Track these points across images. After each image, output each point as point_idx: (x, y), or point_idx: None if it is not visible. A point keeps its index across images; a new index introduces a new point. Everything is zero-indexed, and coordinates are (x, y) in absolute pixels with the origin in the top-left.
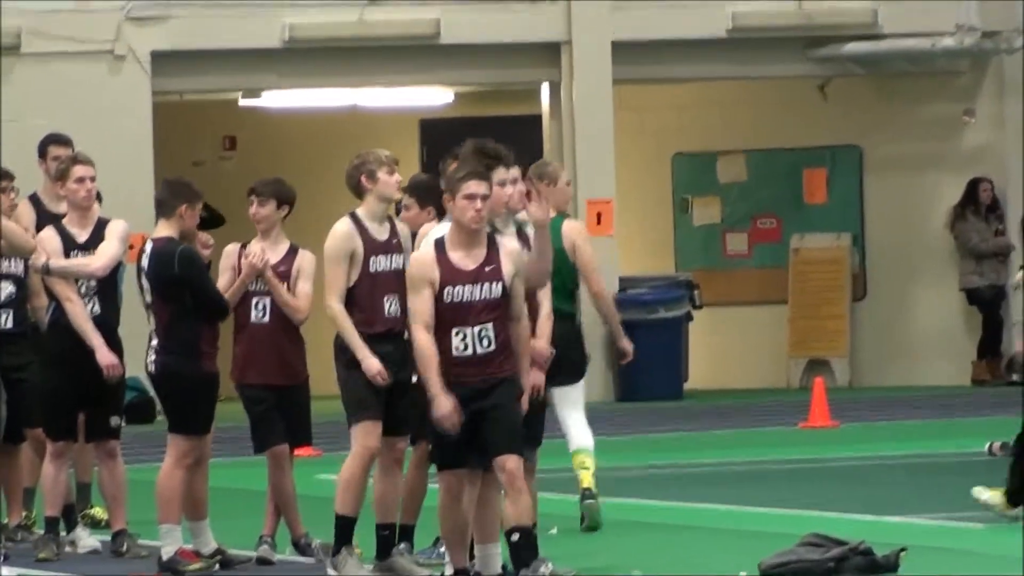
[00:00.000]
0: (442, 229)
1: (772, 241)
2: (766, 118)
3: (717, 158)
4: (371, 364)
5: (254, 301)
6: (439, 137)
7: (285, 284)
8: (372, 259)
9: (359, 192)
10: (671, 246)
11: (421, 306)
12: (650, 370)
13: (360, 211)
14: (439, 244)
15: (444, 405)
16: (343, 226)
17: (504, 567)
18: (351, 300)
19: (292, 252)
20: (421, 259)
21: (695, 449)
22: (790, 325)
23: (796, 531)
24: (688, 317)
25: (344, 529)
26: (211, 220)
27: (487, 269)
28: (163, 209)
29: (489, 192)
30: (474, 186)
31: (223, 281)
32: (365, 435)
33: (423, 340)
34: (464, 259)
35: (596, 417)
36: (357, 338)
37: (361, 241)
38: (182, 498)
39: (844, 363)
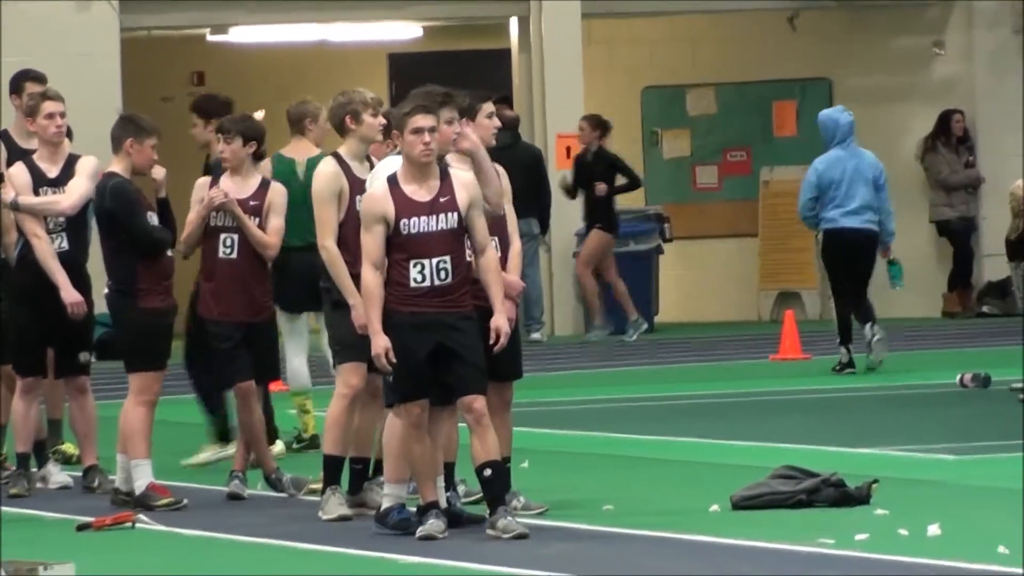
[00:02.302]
0: (389, 166)
1: (742, 174)
2: (735, 51)
3: (687, 91)
4: (378, 342)
5: (222, 237)
6: (408, 71)
7: (257, 219)
8: (357, 198)
9: (342, 131)
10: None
11: (371, 243)
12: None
13: (342, 150)
14: (392, 179)
15: (378, 345)
16: (329, 166)
17: (449, 502)
18: (337, 240)
19: (263, 187)
20: (373, 195)
21: (666, 382)
22: (760, 258)
23: (768, 464)
24: (658, 250)
25: (331, 469)
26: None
27: (442, 200)
28: (113, 144)
29: (436, 124)
30: (420, 119)
31: (191, 214)
32: (349, 375)
33: (369, 278)
34: (418, 191)
35: (566, 351)
36: (350, 282)
37: (346, 180)
38: (147, 432)
39: (814, 295)
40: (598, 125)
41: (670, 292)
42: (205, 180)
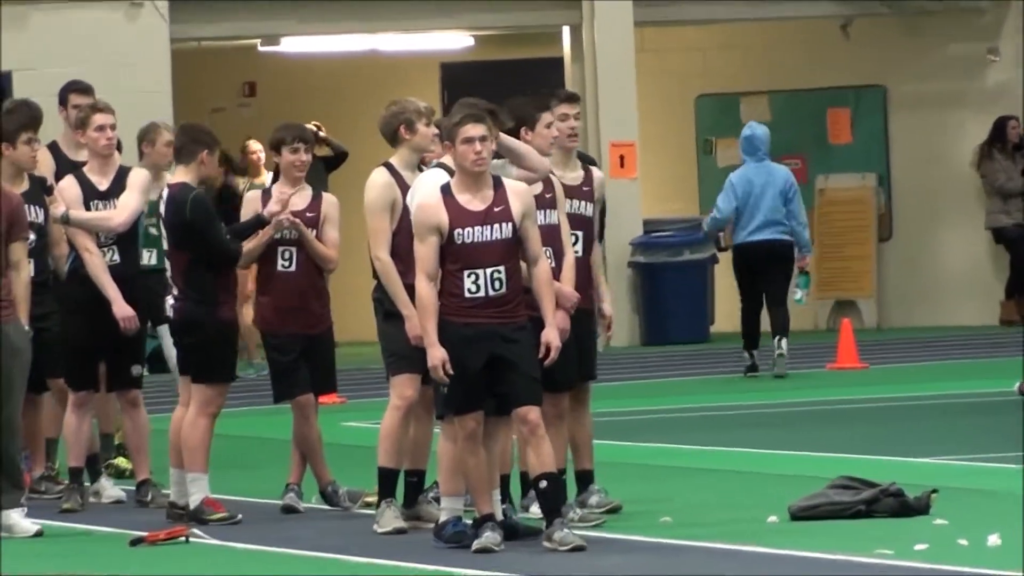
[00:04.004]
0: (429, 178)
1: (797, 182)
2: (789, 58)
3: (740, 99)
4: (435, 354)
5: (280, 250)
6: (460, 81)
7: (313, 231)
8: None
9: (394, 141)
10: (695, 188)
11: (425, 254)
12: (676, 313)
13: (394, 160)
14: (445, 188)
15: (435, 356)
16: (382, 176)
17: (504, 513)
18: (391, 251)
19: (317, 197)
20: (426, 205)
21: (722, 392)
22: (816, 266)
23: (826, 474)
24: (713, 259)
25: (386, 481)
26: (334, 158)
27: (496, 210)
28: (182, 155)
29: (488, 134)
30: (471, 128)
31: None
32: (404, 386)
33: (423, 290)
34: (471, 201)
35: (622, 361)
36: (404, 294)
37: (399, 191)
38: (207, 445)
39: (871, 304)
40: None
41: (725, 302)
42: (256, 194)
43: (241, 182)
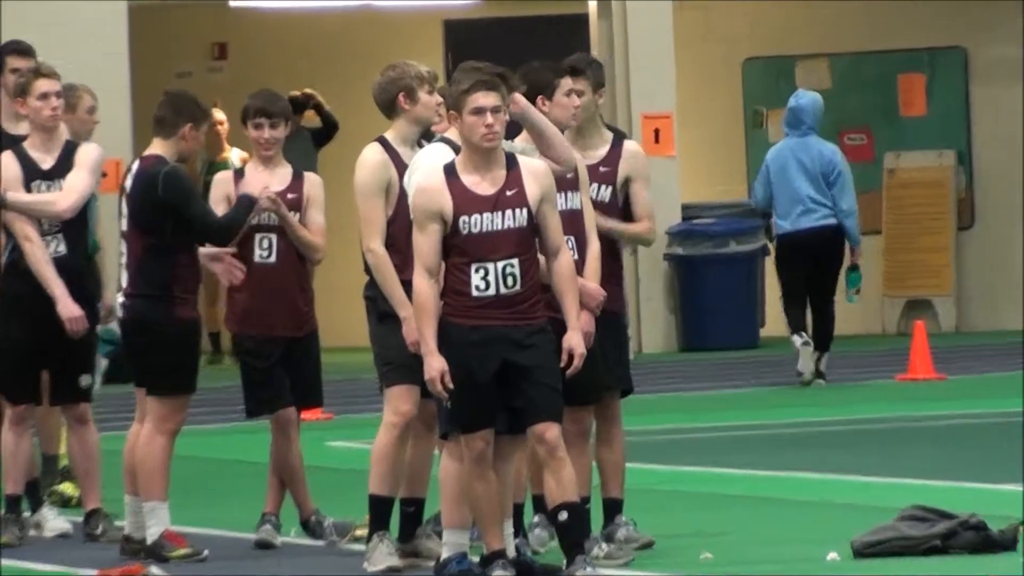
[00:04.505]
0: (429, 155)
1: (862, 160)
2: (853, 15)
3: (796, 63)
4: (433, 363)
5: (257, 238)
6: (466, 41)
7: (296, 215)
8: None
9: (391, 111)
10: (743, 168)
11: (425, 245)
12: (719, 314)
13: (390, 135)
14: (449, 169)
15: (433, 366)
16: (375, 154)
17: (517, 550)
18: (386, 241)
19: (298, 177)
20: (427, 187)
21: (772, 407)
22: (885, 259)
23: (895, 503)
24: (764, 251)
25: (379, 511)
26: (324, 129)
27: (509, 193)
28: (163, 127)
29: (501, 104)
30: (482, 97)
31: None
32: (400, 400)
33: (422, 288)
34: (480, 183)
35: (657, 370)
36: (400, 291)
37: (396, 170)
38: (166, 469)
39: (949, 304)
40: None
41: (778, 300)
42: (227, 175)
43: (199, 159)
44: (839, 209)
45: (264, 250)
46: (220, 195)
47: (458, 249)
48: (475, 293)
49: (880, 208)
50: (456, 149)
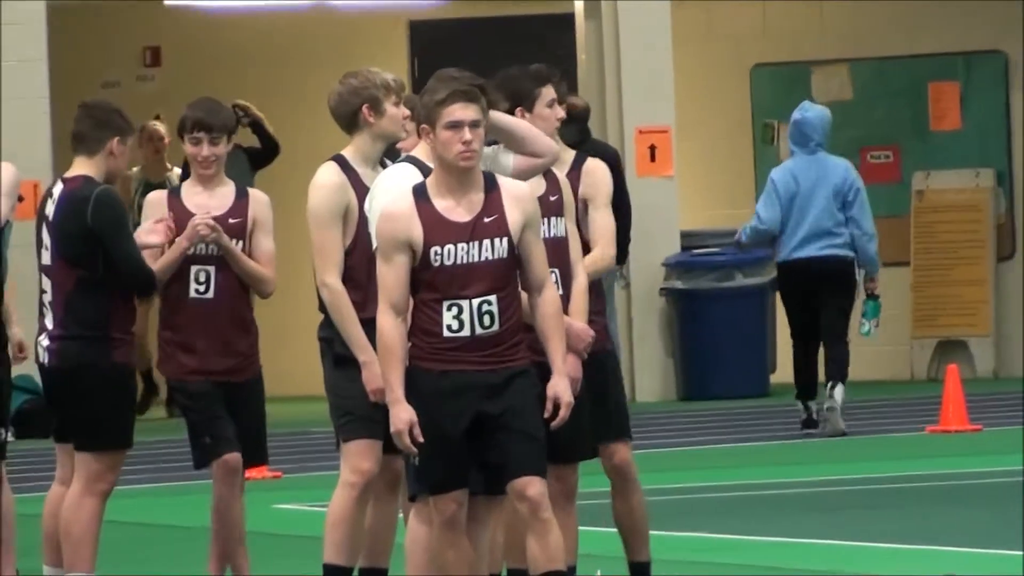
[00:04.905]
0: (393, 176)
1: (888, 181)
2: (877, 16)
3: (811, 70)
4: (400, 414)
5: (193, 271)
6: (434, 44)
7: (240, 243)
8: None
9: (352, 126)
10: (751, 189)
11: (390, 278)
12: (725, 357)
13: (349, 152)
14: (419, 191)
15: (400, 418)
16: (332, 175)
17: None
18: (343, 275)
19: (241, 197)
20: (393, 213)
21: (787, 464)
22: (914, 295)
23: (926, 573)
24: (775, 285)
25: None
26: (262, 151)
27: (487, 220)
28: (84, 144)
29: (481, 118)
30: (459, 110)
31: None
32: (360, 457)
33: (387, 327)
34: (454, 209)
35: (655, 420)
36: (360, 332)
37: (355, 194)
38: (95, 534)
39: (987, 345)
40: None
41: (790, 343)
42: (159, 195)
43: (134, 176)
44: (860, 231)
45: (200, 284)
46: (151, 218)
47: (428, 284)
48: (447, 334)
49: (908, 236)
50: (424, 170)
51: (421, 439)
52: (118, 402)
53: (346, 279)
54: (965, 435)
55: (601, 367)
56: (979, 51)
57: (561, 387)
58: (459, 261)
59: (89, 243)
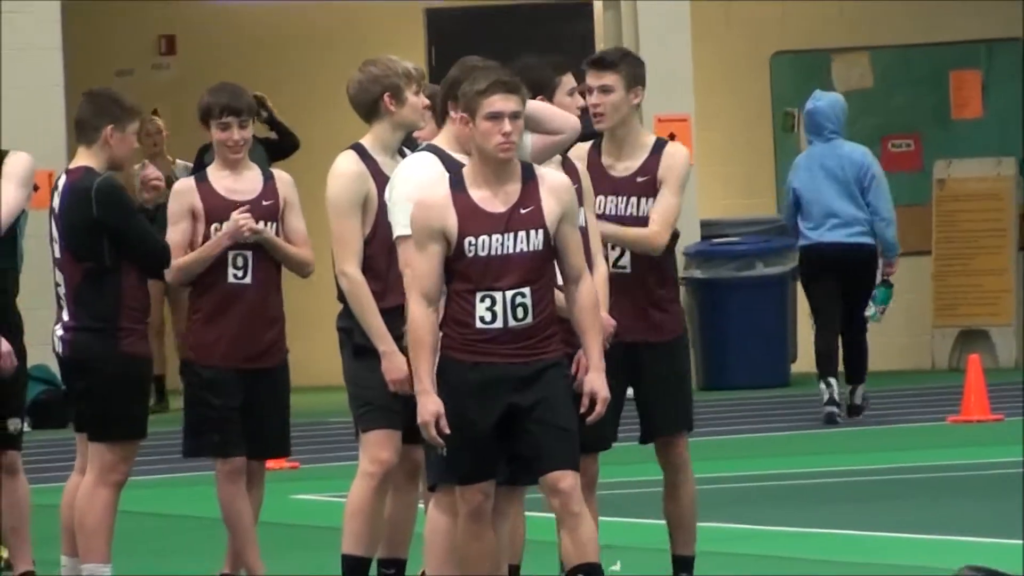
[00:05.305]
0: (419, 164)
1: (909, 169)
2: (898, 3)
3: (832, 58)
4: (428, 405)
5: (231, 256)
6: (451, 33)
7: (273, 224)
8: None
9: (372, 114)
10: (771, 178)
11: (424, 267)
12: (745, 347)
13: (368, 141)
14: (456, 180)
15: (428, 409)
16: (351, 164)
17: None
18: (363, 264)
19: (269, 180)
20: (429, 202)
21: (807, 455)
22: (935, 284)
23: (947, 564)
24: (795, 274)
25: (355, 574)
26: (280, 143)
27: (523, 212)
28: (83, 132)
29: (521, 109)
30: (500, 101)
31: (176, 233)
32: (379, 447)
33: (419, 317)
34: (491, 200)
35: None
36: (380, 322)
37: (374, 183)
38: (110, 525)
39: (1009, 334)
40: None
41: (811, 331)
42: (187, 184)
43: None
44: (879, 216)
45: (239, 269)
46: (182, 209)
47: (461, 274)
48: (479, 325)
49: (929, 225)
50: (445, 159)
51: (447, 430)
52: (129, 393)
53: (365, 269)
54: (987, 425)
55: (673, 353)
56: (1001, 39)
57: (598, 382)
58: (493, 252)
59: (94, 234)
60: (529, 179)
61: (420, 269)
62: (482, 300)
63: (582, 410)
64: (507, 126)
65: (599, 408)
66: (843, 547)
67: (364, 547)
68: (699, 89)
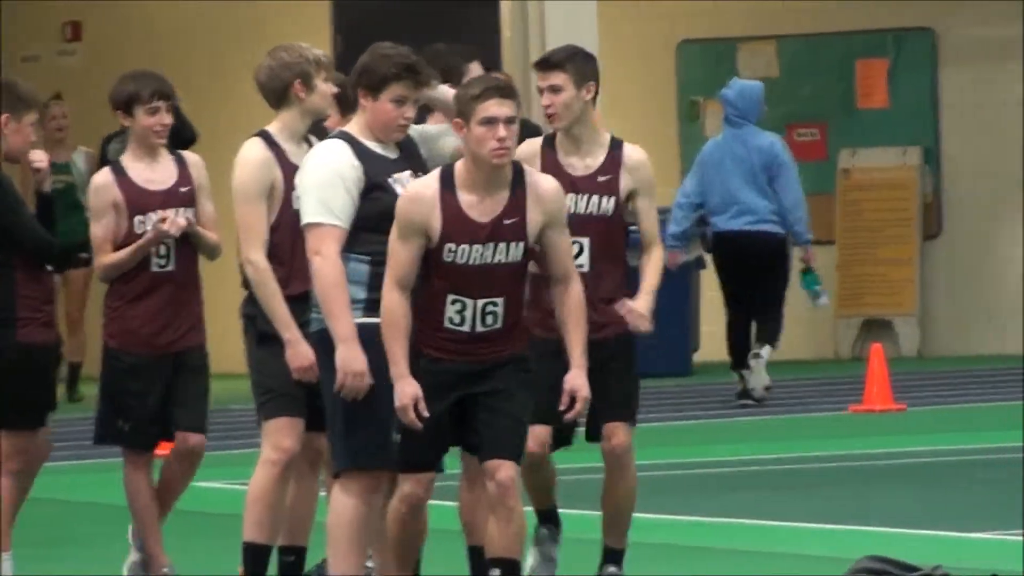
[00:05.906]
0: (331, 152)
1: (814, 159)
2: None
3: (738, 47)
4: (405, 388)
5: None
6: (358, 21)
7: (191, 210)
8: (295, 193)
9: (281, 101)
10: (676, 167)
11: (402, 256)
12: (645, 337)
13: (274, 128)
14: (447, 179)
15: (406, 392)
16: (257, 151)
17: None
18: (267, 252)
19: (181, 164)
20: (418, 196)
21: (709, 444)
22: (838, 274)
23: (848, 554)
24: (699, 263)
25: (255, 561)
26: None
27: (507, 222)
28: None
29: (515, 114)
30: (495, 107)
31: (99, 228)
32: (281, 434)
33: (392, 302)
34: (477, 206)
35: None
36: (284, 309)
37: (281, 170)
38: (12, 514)
39: (912, 324)
40: None
41: (714, 321)
42: (105, 177)
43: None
44: (782, 206)
45: (162, 258)
46: (104, 204)
47: (438, 274)
48: (447, 325)
49: (833, 214)
50: (356, 145)
51: (427, 413)
52: (26, 382)
53: (270, 256)
54: (889, 414)
55: (625, 346)
56: (908, 28)
57: (579, 381)
58: (472, 262)
59: None
60: (518, 184)
61: (399, 258)
62: (453, 303)
63: (561, 407)
64: (502, 131)
65: (579, 406)
66: (747, 536)
67: (266, 535)
68: (605, 77)
